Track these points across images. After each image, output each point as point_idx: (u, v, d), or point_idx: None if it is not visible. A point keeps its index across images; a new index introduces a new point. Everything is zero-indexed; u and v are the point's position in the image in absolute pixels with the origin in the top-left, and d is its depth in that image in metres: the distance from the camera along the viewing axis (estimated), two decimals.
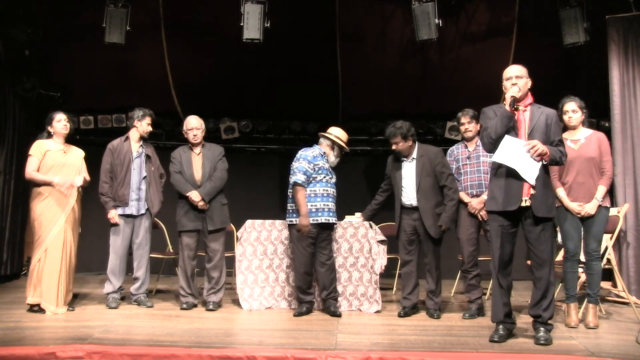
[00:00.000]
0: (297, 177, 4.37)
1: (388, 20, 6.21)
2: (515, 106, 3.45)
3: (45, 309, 4.23)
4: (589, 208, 3.92)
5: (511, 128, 3.47)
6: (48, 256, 4.27)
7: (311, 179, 4.42)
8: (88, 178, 4.53)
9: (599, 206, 3.94)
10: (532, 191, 3.39)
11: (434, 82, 6.67)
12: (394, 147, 4.38)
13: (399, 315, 4.34)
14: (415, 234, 4.39)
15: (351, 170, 6.94)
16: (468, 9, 6.02)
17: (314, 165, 4.42)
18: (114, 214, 4.60)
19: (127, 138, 4.75)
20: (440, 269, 4.40)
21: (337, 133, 4.60)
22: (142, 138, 4.76)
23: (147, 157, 4.76)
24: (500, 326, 3.54)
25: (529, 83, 3.54)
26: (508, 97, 3.46)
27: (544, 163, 3.42)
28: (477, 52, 6.35)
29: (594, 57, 5.61)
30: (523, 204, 3.41)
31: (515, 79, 3.48)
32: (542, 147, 3.35)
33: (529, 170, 3.37)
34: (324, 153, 4.54)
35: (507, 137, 3.43)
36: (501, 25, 6.12)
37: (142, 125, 4.73)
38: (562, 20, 5.37)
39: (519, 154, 3.38)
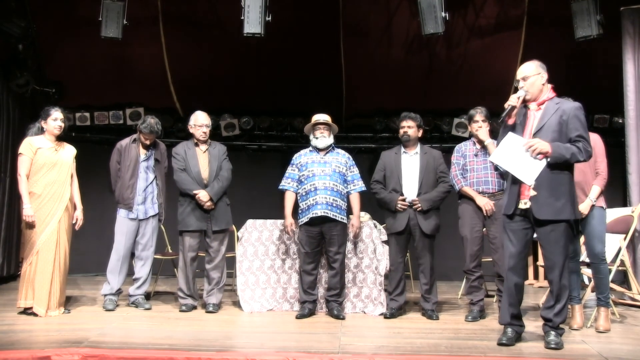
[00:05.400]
0: (281, 183, 4.51)
1: (393, 13, 6.16)
2: (508, 114, 3.36)
3: (37, 313, 4.12)
4: (582, 208, 3.86)
5: (519, 126, 3.39)
6: (40, 259, 4.15)
7: (300, 178, 4.41)
8: (81, 219, 4.36)
9: (594, 206, 3.89)
10: (532, 193, 3.28)
11: (440, 77, 6.63)
12: (406, 130, 4.37)
13: (385, 317, 4.28)
14: (407, 232, 4.30)
15: None
16: (476, 1, 5.97)
17: (296, 165, 4.48)
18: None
19: (135, 140, 4.63)
20: (435, 268, 4.33)
21: (311, 122, 4.50)
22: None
23: (156, 161, 4.66)
24: (509, 329, 3.45)
25: (542, 78, 3.37)
26: (506, 105, 3.37)
27: (549, 161, 3.28)
28: (486, 46, 6.29)
29: (607, 50, 5.53)
30: (522, 207, 3.33)
31: (522, 81, 3.37)
32: (541, 146, 3.22)
33: (529, 170, 3.27)
34: (313, 147, 4.47)
35: (509, 135, 3.35)
36: (510, 19, 6.06)
37: (141, 137, 4.60)
38: (574, 13, 5.25)
39: (520, 153, 3.29)
